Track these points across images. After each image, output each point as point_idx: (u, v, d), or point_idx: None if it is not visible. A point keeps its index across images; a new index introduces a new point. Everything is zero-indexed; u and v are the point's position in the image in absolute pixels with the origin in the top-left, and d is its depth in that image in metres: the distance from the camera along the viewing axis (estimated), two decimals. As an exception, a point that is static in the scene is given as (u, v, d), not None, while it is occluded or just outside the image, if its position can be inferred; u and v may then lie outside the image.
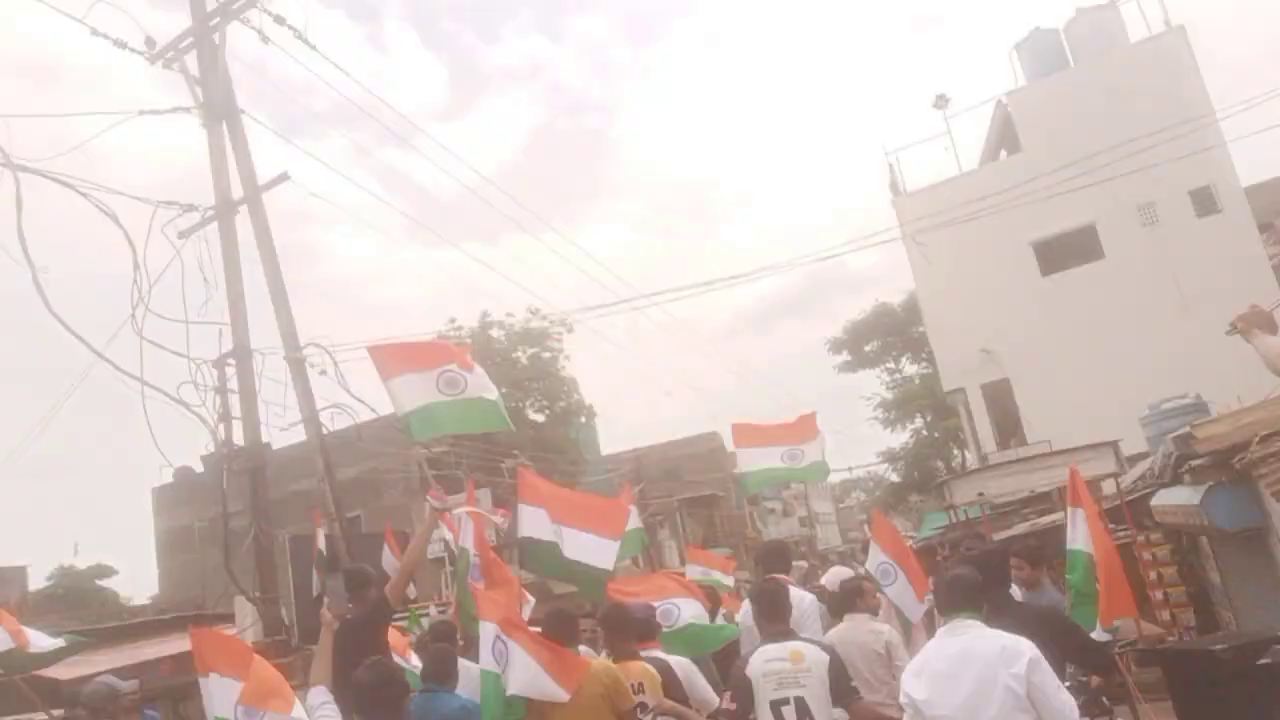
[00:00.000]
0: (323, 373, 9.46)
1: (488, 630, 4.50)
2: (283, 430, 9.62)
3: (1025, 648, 3.72)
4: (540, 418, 24.26)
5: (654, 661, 5.09)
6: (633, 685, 4.81)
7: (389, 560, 8.62)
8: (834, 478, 53.53)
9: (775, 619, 4.57)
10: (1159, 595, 9.10)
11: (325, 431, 9.31)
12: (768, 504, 46.99)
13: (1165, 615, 8.93)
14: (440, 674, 5.04)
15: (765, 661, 4.35)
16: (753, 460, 7.63)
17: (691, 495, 37.95)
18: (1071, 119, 18.45)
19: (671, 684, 4.91)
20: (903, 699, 4.01)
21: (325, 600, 5.00)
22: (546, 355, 24.28)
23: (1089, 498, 5.20)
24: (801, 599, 5.96)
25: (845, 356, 32.33)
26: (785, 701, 4.20)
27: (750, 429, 7.99)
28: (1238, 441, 7.11)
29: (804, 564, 34.75)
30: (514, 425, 21.80)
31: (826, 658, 4.31)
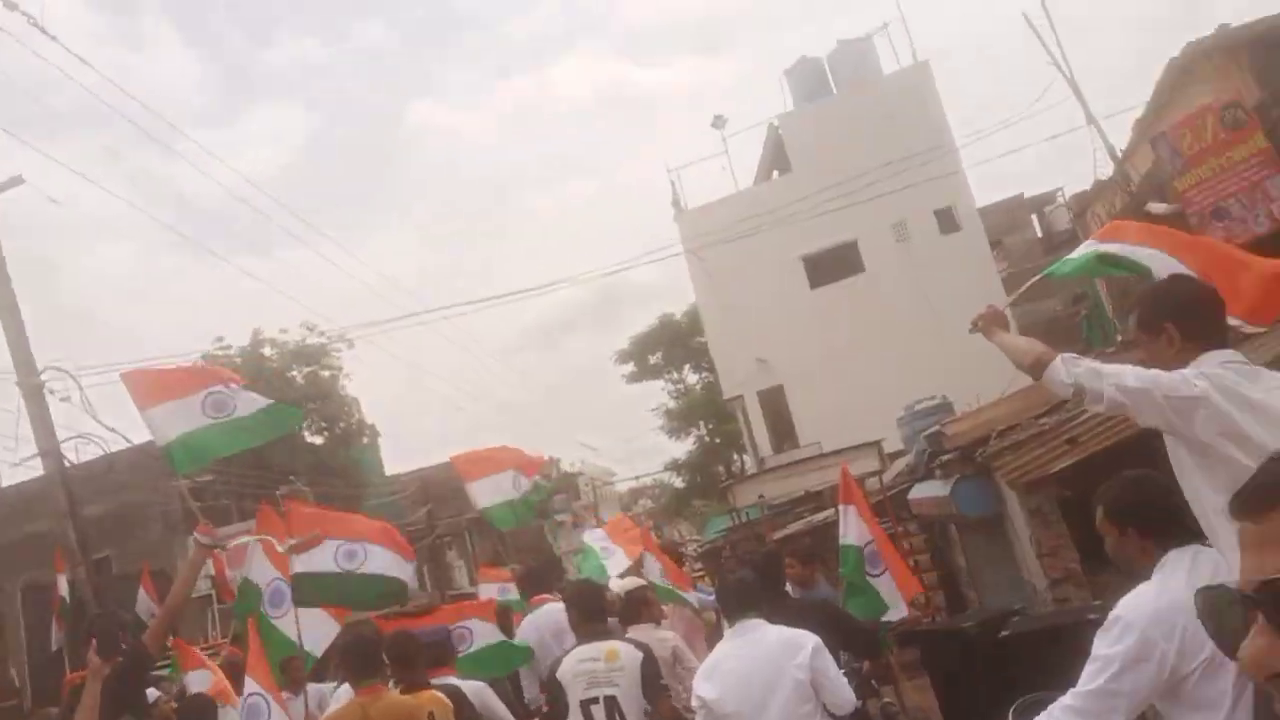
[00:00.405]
0: (65, 399, 8.49)
1: (249, 688, 4.28)
2: (14, 466, 8.56)
3: (806, 639, 3.96)
4: (319, 440, 22.97)
5: (445, 688, 4.94)
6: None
7: (144, 604, 7.84)
8: (622, 486, 54.53)
9: (592, 619, 4.59)
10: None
11: (68, 465, 8.35)
12: (558, 516, 47.07)
13: (920, 599, 9.75)
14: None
15: (578, 662, 4.37)
16: (488, 493, 7.34)
17: (480, 514, 37.17)
18: (834, 142, 19.92)
19: (463, 709, 4.78)
20: (694, 701, 4.12)
21: (93, 644, 4.39)
22: (325, 374, 23.04)
23: (859, 494, 5.59)
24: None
25: (631, 367, 33.05)
26: (595, 701, 4.22)
27: (470, 459, 7.64)
28: (978, 437, 7.92)
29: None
30: (290, 448, 20.58)
31: (640, 655, 4.37)
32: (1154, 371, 2.48)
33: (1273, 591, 0.64)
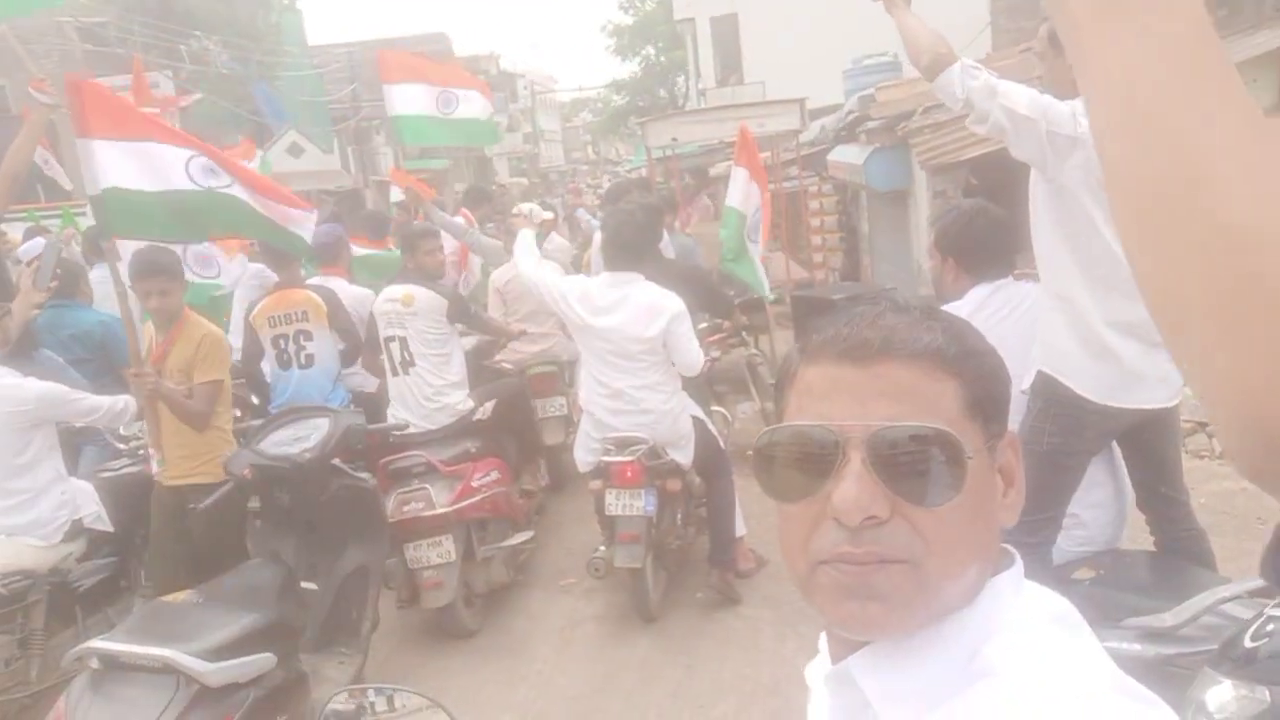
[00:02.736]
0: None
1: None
2: None
3: (668, 305, 4.05)
4: (232, -6, 20.98)
5: (319, 289, 5.03)
6: (295, 313, 4.87)
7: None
8: (565, 97, 52.80)
9: (406, 262, 5.03)
10: (819, 240, 10.18)
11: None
12: (495, 117, 45.75)
13: (819, 258, 10.07)
14: (65, 288, 4.71)
15: (384, 301, 4.79)
16: (406, 102, 6.71)
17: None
18: None
19: (336, 310, 4.92)
20: (577, 319, 4.19)
21: None
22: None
23: (754, 157, 5.42)
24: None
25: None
26: (392, 339, 4.71)
27: (398, 58, 7.04)
28: (906, 110, 7.66)
29: (524, 180, 35.06)
30: (197, -1, 18.77)
31: (445, 301, 4.73)
32: (1048, 101, 2.31)
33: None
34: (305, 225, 4.23)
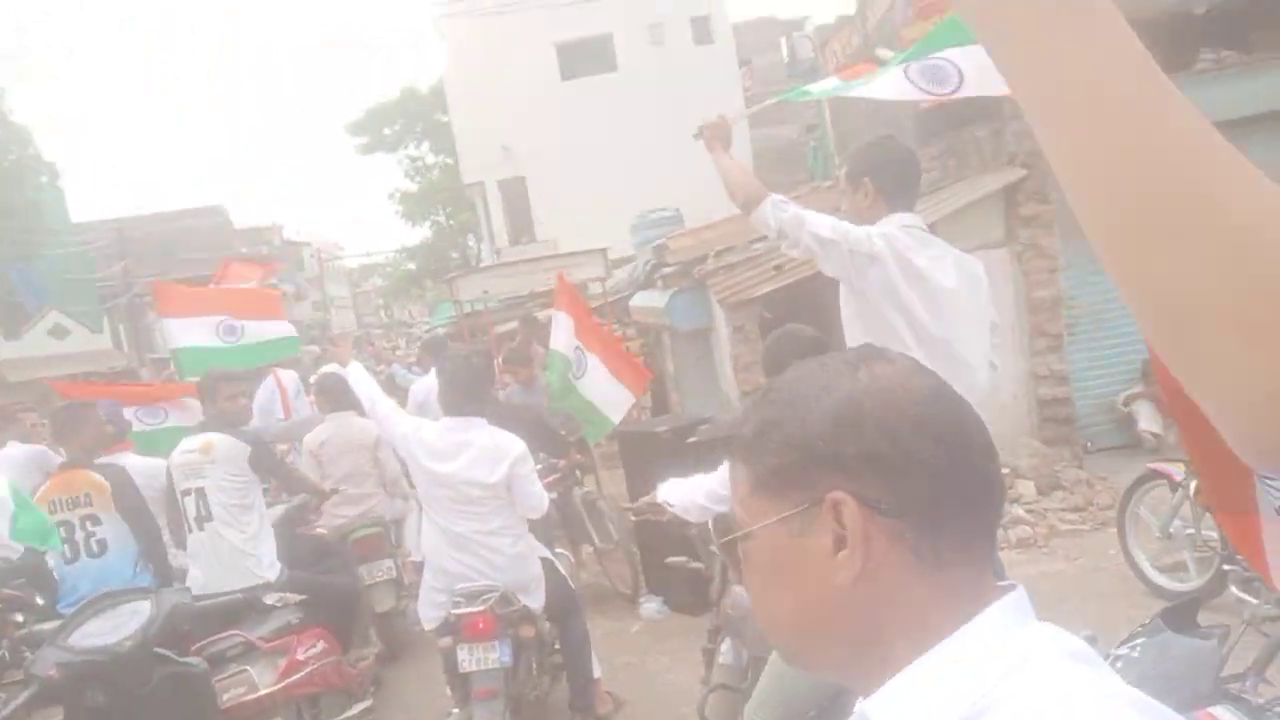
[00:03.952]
0: None
1: None
2: None
3: (513, 448, 4.01)
4: (-19, 173, 19.61)
5: (107, 468, 4.64)
6: (79, 497, 4.48)
7: None
8: (352, 263, 52.39)
9: (206, 410, 4.81)
10: (628, 381, 10.54)
11: None
12: (283, 286, 44.53)
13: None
14: None
15: (180, 452, 4.51)
16: (185, 334, 6.41)
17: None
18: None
19: (123, 490, 4.53)
20: (424, 474, 4.06)
21: None
22: (-14, 95, 19.37)
23: (572, 303, 5.66)
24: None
25: (364, 139, 30.87)
26: (189, 492, 4.40)
27: (175, 291, 6.73)
28: (699, 254, 8.26)
29: (315, 349, 33.99)
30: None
31: (247, 448, 4.46)
32: (846, 225, 2.64)
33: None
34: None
